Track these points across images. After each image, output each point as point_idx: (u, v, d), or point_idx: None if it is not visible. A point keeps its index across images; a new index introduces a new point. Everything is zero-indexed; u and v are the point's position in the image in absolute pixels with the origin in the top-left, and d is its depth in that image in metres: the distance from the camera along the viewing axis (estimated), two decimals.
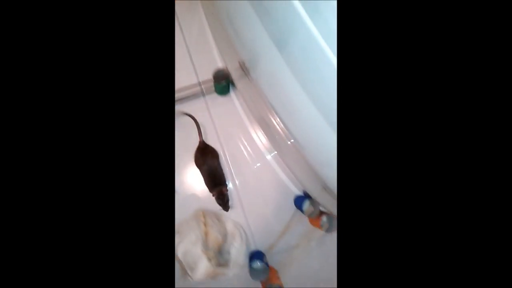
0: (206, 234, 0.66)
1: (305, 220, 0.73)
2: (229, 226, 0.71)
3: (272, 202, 0.76)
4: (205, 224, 0.67)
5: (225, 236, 0.69)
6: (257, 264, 0.68)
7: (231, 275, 0.66)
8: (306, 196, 0.72)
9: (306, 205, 0.68)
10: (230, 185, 0.75)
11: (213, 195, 0.72)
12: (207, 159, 0.72)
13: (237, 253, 0.68)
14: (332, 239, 0.73)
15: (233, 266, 0.67)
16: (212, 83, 0.71)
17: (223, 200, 0.70)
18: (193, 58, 0.76)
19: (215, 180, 0.72)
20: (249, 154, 0.76)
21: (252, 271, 0.68)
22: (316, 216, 0.68)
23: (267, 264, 0.69)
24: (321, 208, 0.68)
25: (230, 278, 0.70)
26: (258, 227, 0.74)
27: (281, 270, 0.71)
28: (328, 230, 0.67)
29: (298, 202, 0.72)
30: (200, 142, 0.73)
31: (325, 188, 0.62)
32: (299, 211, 0.73)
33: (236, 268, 0.67)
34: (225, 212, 0.72)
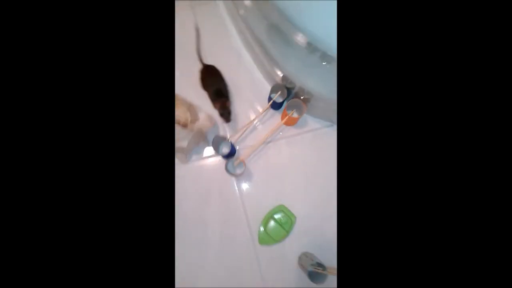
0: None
1: (277, 117, 0.75)
2: (202, 116, 0.72)
3: (247, 100, 0.78)
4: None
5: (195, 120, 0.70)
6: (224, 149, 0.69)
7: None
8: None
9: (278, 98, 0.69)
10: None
11: (215, 107, 0.73)
12: (214, 79, 0.75)
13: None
14: (302, 140, 0.75)
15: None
16: None
17: (224, 111, 0.71)
18: None
19: (219, 94, 0.73)
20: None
21: (224, 157, 0.70)
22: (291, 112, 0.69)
23: (234, 149, 0.71)
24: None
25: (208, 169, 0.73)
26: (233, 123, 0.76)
27: (251, 162, 0.74)
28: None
29: (274, 104, 0.72)
30: (203, 65, 0.76)
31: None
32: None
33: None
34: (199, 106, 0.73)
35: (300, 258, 0.69)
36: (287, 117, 0.69)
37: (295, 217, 0.70)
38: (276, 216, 0.69)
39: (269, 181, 0.74)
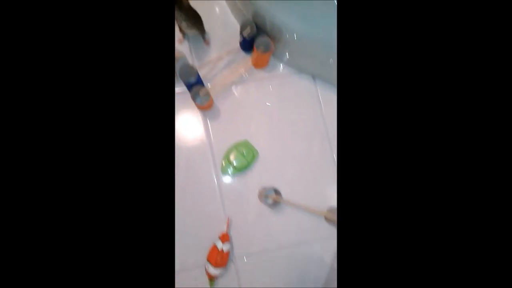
0: None
1: (247, 59, 0.78)
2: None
3: (218, 39, 0.79)
4: None
5: None
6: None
7: None
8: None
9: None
10: None
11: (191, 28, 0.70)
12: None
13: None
14: (271, 84, 0.79)
15: None
16: None
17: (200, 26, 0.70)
18: None
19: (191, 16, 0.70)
20: None
21: (190, 86, 0.72)
22: (263, 52, 0.71)
23: (201, 79, 0.73)
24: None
25: None
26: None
27: (219, 100, 0.76)
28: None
29: (244, 43, 0.75)
30: None
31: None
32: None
33: None
34: None
35: (259, 191, 0.73)
36: (255, 55, 0.71)
37: (257, 152, 0.74)
38: (239, 148, 0.72)
39: (235, 119, 0.77)
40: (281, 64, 0.80)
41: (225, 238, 0.69)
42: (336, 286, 0.35)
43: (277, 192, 0.69)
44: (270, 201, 0.71)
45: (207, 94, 0.69)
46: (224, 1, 0.81)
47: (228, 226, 0.72)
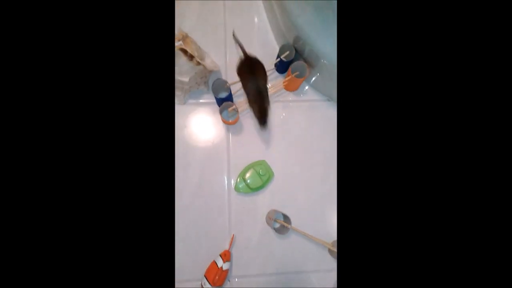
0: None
1: (280, 81, 0.77)
2: (208, 60, 0.73)
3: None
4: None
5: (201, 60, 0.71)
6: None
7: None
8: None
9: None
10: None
11: (251, 107, 0.65)
12: (255, 77, 0.64)
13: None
14: (298, 107, 0.78)
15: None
16: None
17: (263, 116, 0.64)
18: None
19: (259, 95, 0.64)
20: None
21: (220, 101, 0.71)
22: (298, 77, 0.70)
23: (231, 95, 0.72)
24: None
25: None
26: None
27: (244, 117, 0.76)
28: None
29: (281, 65, 0.74)
30: (245, 55, 0.67)
31: None
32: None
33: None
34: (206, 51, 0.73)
35: (268, 213, 0.72)
36: (288, 77, 0.71)
37: (273, 174, 0.73)
38: (256, 168, 0.71)
39: (257, 138, 0.76)
40: (310, 89, 0.80)
41: (226, 256, 0.68)
42: None
43: (286, 218, 0.68)
44: (277, 225, 0.70)
45: (235, 111, 0.69)
46: (266, 18, 0.81)
47: (231, 243, 0.71)
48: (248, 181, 0.70)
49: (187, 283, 0.71)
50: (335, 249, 0.70)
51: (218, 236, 0.72)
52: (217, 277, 0.66)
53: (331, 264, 0.74)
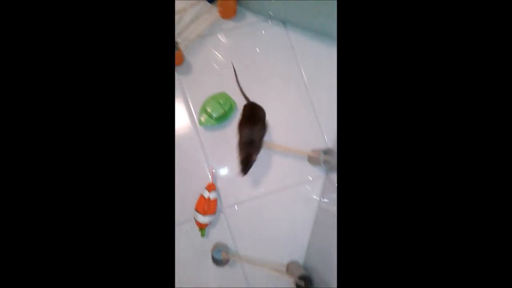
0: None
1: (214, 11, 0.76)
2: None
3: None
4: None
5: None
6: None
7: None
8: None
9: None
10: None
11: (239, 153, 0.67)
12: (252, 128, 0.66)
13: None
14: (240, 32, 0.78)
15: None
16: None
17: (246, 165, 0.65)
18: None
19: (250, 144, 0.66)
20: None
21: None
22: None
23: None
24: None
25: None
26: None
27: (190, 56, 0.76)
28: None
29: None
30: (250, 103, 0.71)
31: None
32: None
33: None
34: None
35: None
36: (219, 1, 0.70)
37: (235, 103, 0.74)
38: (216, 98, 0.72)
39: (209, 72, 0.76)
40: (249, 13, 0.79)
41: (211, 187, 0.70)
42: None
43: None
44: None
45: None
46: None
47: (213, 176, 0.73)
48: (209, 110, 0.71)
49: (183, 225, 0.73)
50: (315, 155, 0.72)
51: (200, 175, 0.74)
52: (206, 207, 0.68)
53: (314, 173, 0.77)
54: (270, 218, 0.76)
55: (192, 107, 0.75)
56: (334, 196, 0.69)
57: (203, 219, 0.68)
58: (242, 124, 0.67)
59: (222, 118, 0.73)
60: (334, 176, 0.73)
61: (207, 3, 0.76)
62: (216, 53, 0.77)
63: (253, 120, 0.67)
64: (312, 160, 0.75)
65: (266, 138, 0.70)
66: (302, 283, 0.66)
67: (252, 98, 0.76)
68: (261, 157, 0.74)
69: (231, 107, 0.73)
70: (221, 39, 0.77)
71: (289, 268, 0.72)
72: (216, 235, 0.74)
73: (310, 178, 0.76)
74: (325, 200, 0.74)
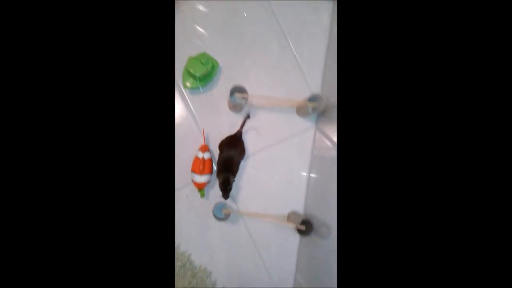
0: None
1: None
2: None
3: None
4: None
5: None
6: None
7: None
8: None
9: None
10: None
11: (218, 178, 0.71)
12: (231, 151, 0.71)
13: None
14: None
15: None
16: None
17: (225, 187, 0.69)
18: None
19: (228, 168, 0.70)
20: None
21: None
22: None
23: None
24: None
25: None
26: None
27: None
28: None
29: None
30: (238, 131, 0.73)
31: None
32: None
33: None
34: None
35: (228, 101, 0.74)
36: None
37: (217, 62, 0.74)
38: (197, 58, 0.72)
39: (187, 36, 0.76)
40: None
41: (204, 148, 0.71)
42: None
43: (243, 90, 0.70)
44: (237, 99, 0.71)
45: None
46: None
47: (205, 137, 0.73)
48: (192, 70, 0.70)
49: (182, 190, 0.75)
50: (303, 104, 0.73)
51: (191, 139, 0.75)
52: (201, 167, 0.69)
53: (304, 124, 0.78)
54: (266, 174, 0.77)
55: (176, 72, 0.75)
56: (326, 144, 0.70)
57: (200, 178, 0.69)
58: (223, 145, 0.72)
59: (207, 79, 0.73)
60: (323, 125, 0.74)
61: None
62: (191, 16, 0.76)
63: (234, 144, 0.72)
64: (301, 111, 0.75)
65: (252, 92, 0.71)
66: (303, 228, 0.68)
67: (234, 58, 0.76)
68: (250, 116, 0.75)
69: (214, 66, 0.73)
70: (196, 4, 0.76)
71: (290, 217, 0.74)
72: (215, 195, 0.76)
73: (301, 130, 0.77)
74: (318, 148, 0.75)
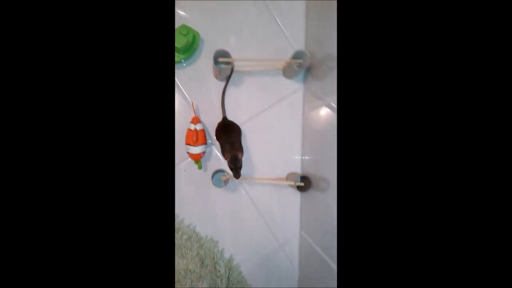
0: None
1: None
2: None
3: None
4: None
5: None
6: None
7: None
8: None
9: None
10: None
11: (225, 158, 0.70)
12: (229, 135, 0.71)
13: None
14: None
15: None
16: None
17: (235, 165, 0.68)
18: None
19: (232, 147, 0.70)
20: None
21: None
22: None
23: None
24: None
25: None
26: None
27: None
28: None
29: None
30: (223, 118, 0.73)
31: None
32: None
33: None
34: None
35: (213, 68, 0.73)
36: None
37: (198, 33, 0.73)
38: (177, 30, 0.70)
39: None
40: None
41: (195, 120, 0.71)
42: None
43: (226, 55, 0.69)
44: (222, 66, 0.70)
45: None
46: None
47: (195, 109, 0.73)
48: (177, 46, 0.70)
49: (179, 165, 0.75)
50: (292, 62, 0.73)
51: (182, 113, 0.75)
52: (195, 138, 0.69)
53: (292, 87, 0.78)
54: (260, 140, 0.78)
55: None
56: (316, 103, 0.71)
57: (195, 149, 0.70)
58: (219, 133, 0.72)
59: (189, 50, 0.72)
60: (311, 84, 0.74)
61: None
62: None
63: (228, 128, 0.72)
64: (287, 71, 0.75)
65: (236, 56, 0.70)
66: (302, 184, 0.70)
67: (214, 28, 0.75)
68: (235, 83, 0.75)
69: (195, 37, 0.72)
70: None
71: (288, 177, 0.76)
72: (212, 166, 0.77)
73: (290, 91, 0.78)
74: (309, 107, 0.76)
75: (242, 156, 0.71)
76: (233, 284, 0.78)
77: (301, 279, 0.79)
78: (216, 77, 0.74)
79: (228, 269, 0.77)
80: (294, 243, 0.80)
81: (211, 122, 0.75)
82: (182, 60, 0.74)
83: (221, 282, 0.76)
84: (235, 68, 0.72)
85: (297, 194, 0.78)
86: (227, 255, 0.78)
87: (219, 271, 0.75)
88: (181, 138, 0.72)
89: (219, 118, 0.75)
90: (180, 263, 0.75)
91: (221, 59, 0.68)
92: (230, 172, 0.69)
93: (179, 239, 0.75)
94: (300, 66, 0.69)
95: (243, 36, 0.77)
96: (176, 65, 0.74)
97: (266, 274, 0.80)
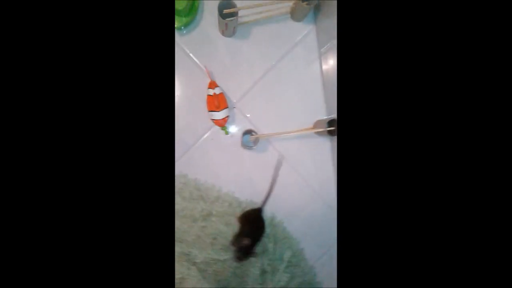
0: None
1: None
2: None
3: None
4: None
5: None
6: None
7: None
8: None
9: None
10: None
11: (233, 244, 0.71)
12: (254, 228, 0.73)
13: None
14: None
15: None
16: None
17: (242, 253, 0.70)
18: None
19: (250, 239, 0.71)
20: None
21: None
22: None
23: None
24: None
25: None
26: None
27: None
28: None
29: None
30: (259, 209, 0.76)
31: None
32: None
33: None
34: None
35: (219, 21, 0.69)
36: None
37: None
38: None
39: None
40: None
41: (212, 84, 0.69)
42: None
43: (230, 5, 0.65)
44: (228, 20, 0.66)
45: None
46: None
47: (209, 74, 0.70)
48: (178, 8, 0.65)
49: (205, 136, 0.74)
50: (300, 5, 0.68)
51: (197, 82, 0.72)
52: (217, 102, 0.67)
53: (303, 28, 0.74)
54: (280, 93, 0.75)
55: None
56: (332, 42, 0.67)
57: (219, 114, 0.68)
58: (247, 221, 0.73)
59: (191, 12, 0.67)
60: (323, 21, 0.70)
61: None
62: None
63: (255, 221, 0.74)
64: (295, 14, 0.71)
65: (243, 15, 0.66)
66: (332, 128, 0.68)
67: None
68: (241, 36, 0.71)
69: (194, 4, 0.67)
70: None
71: (316, 124, 0.74)
72: (237, 131, 0.75)
73: (301, 36, 0.74)
74: (324, 49, 0.72)
75: (254, 252, 0.73)
76: (280, 240, 0.80)
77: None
78: (223, 32, 0.70)
79: (273, 227, 0.79)
80: (330, 190, 0.80)
81: (228, 88, 0.73)
82: (182, 27, 0.69)
83: (269, 240, 0.78)
84: (240, 20, 0.67)
85: (326, 141, 0.77)
86: (269, 214, 0.80)
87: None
88: (203, 108, 0.70)
89: (234, 78, 0.73)
90: (226, 231, 0.77)
91: (226, 11, 0.63)
92: (259, 132, 0.68)
93: (220, 207, 0.76)
94: (310, 3, 0.64)
95: None
96: (180, 31, 0.70)
97: (307, 224, 0.81)
